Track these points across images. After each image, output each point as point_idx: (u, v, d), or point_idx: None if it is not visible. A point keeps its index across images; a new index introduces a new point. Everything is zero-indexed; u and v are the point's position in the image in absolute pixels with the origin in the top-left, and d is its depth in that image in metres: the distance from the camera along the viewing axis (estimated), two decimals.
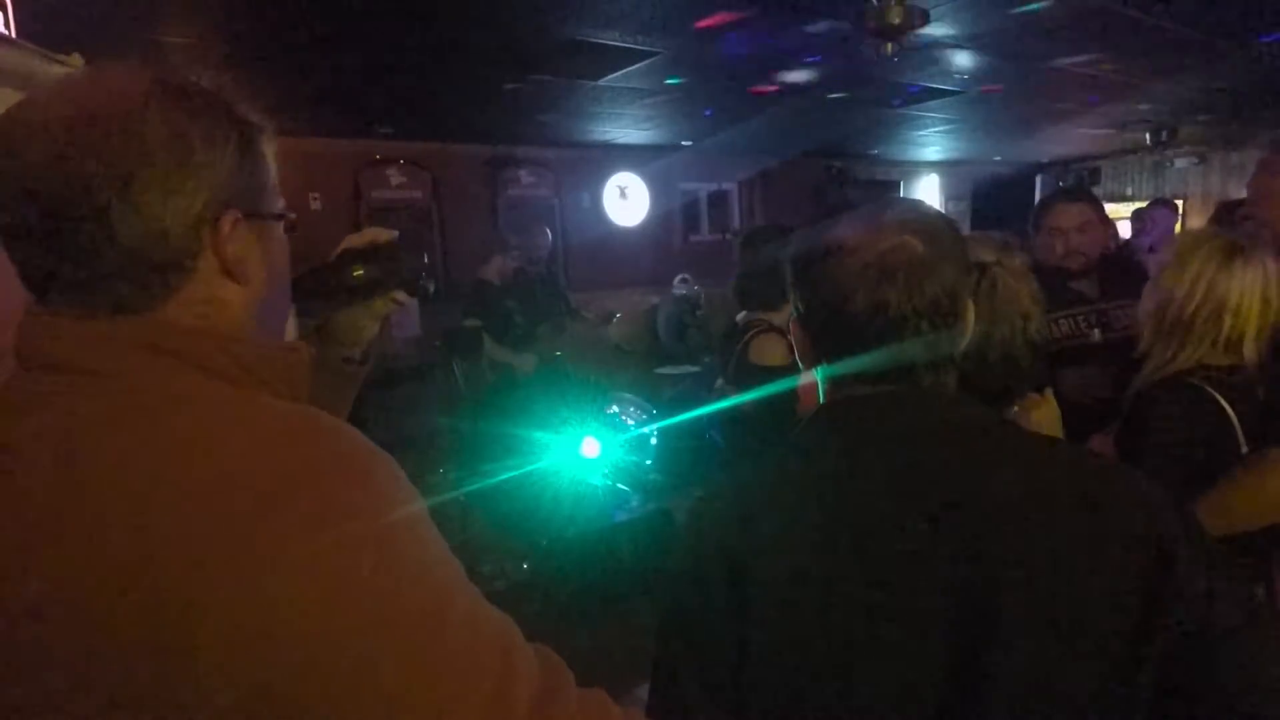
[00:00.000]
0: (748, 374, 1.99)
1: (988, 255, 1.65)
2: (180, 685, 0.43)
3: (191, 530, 0.45)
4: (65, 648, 0.44)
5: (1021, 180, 8.25)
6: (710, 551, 0.76)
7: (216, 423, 0.50)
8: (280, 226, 0.65)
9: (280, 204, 0.65)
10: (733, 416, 2.08)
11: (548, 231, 4.44)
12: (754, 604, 0.72)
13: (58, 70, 1.20)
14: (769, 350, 2.01)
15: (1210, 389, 1.32)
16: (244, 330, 0.60)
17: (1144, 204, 5.46)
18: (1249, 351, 1.34)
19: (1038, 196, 8.74)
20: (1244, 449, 1.30)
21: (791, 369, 1.95)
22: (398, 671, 0.47)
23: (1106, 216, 2.47)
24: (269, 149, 0.62)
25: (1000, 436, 0.74)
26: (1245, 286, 1.33)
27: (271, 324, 0.66)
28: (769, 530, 0.74)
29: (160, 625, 0.43)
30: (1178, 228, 4.04)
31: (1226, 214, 2.71)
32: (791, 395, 1.76)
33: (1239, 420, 1.31)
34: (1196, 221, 7.89)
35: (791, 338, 0.85)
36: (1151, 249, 3.81)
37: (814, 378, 0.80)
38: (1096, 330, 2.01)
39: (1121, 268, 2.36)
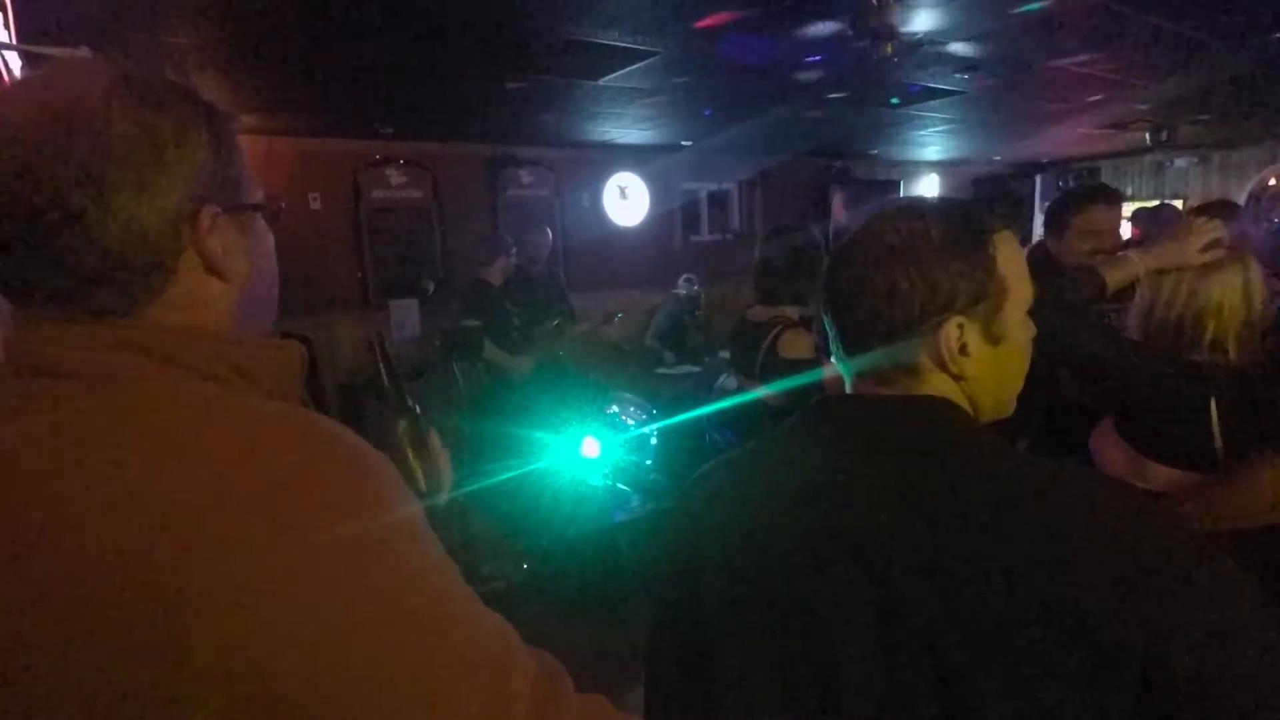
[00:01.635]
0: (778, 368, 2.02)
1: None
2: (173, 691, 0.43)
3: (180, 535, 0.44)
4: (52, 654, 0.43)
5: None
6: (681, 529, 0.79)
7: (205, 425, 0.49)
8: (260, 217, 0.63)
9: (259, 193, 0.63)
10: (755, 412, 2.10)
11: (549, 232, 4.44)
12: (706, 594, 0.73)
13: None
14: (799, 344, 2.05)
15: (1197, 383, 1.35)
16: (231, 328, 0.58)
17: (1144, 204, 5.45)
18: (1232, 350, 1.36)
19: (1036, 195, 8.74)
20: (1218, 442, 1.32)
21: (818, 362, 1.98)
22: (393, 677, 0.46)
23: None
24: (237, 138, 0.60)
25: (985, 458, 0.68)
26: (1226, 289, 1.36)
27: (260, 319, 0.64)
28: (726, 513, 0.76)
29: (151, 631, 0.43)
30: None
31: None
32: (819, 389, 1.78)
33: (1217, 412, 1.33)
34: None
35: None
36: None
37: (836, 370, 0.81)
38: None
39: None
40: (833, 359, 0.80)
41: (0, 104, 0.52)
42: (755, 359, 2.13)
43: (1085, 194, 2.24)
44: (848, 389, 0.79)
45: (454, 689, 0.48)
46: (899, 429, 0.71)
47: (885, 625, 0.64)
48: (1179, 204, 8.18)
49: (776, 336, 2.09)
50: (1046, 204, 2.44)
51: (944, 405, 0.71)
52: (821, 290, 0.79)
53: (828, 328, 0.79)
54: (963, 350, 0.70)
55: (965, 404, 0.73)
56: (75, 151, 0.49)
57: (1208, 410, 1.34)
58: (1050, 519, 0.62)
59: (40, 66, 1.55)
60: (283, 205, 0.66)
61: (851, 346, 0.75)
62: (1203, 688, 0.57)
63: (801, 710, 0.68)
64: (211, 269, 0.56)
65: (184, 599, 0.43)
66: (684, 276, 6.32)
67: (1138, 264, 1.45)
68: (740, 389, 2.25)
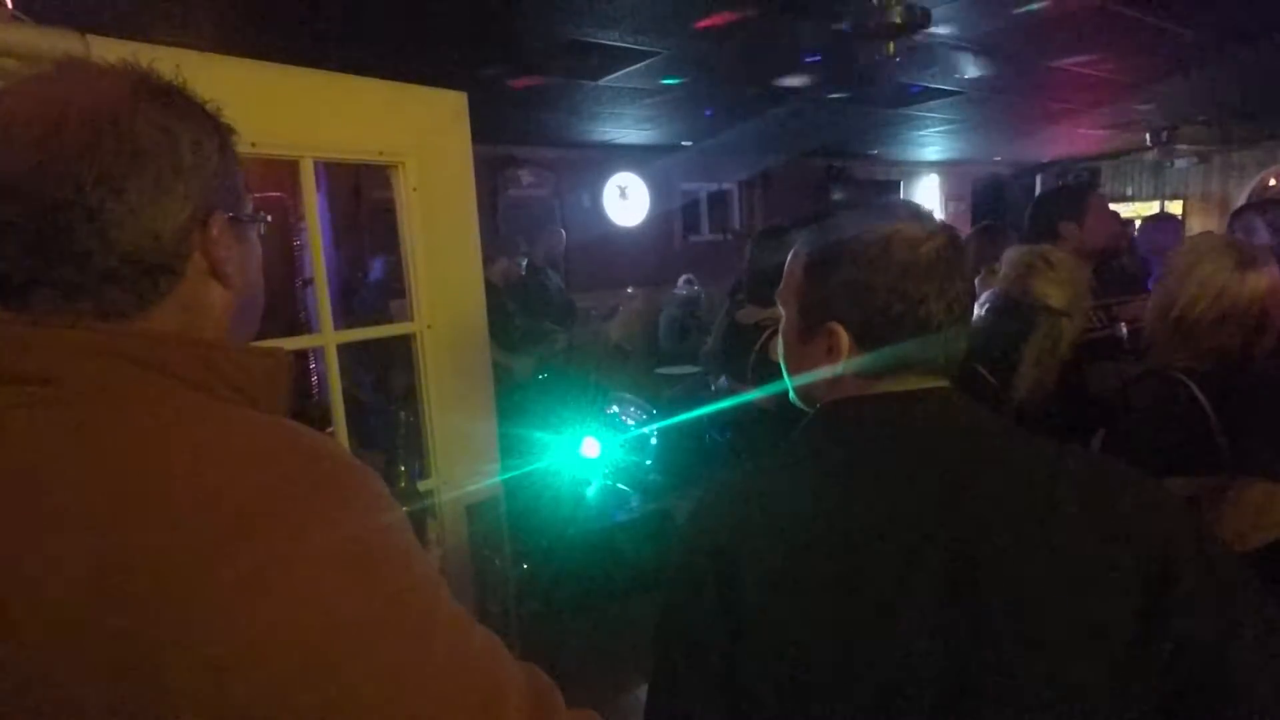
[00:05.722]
0: (771, 371, 2.00)
1: (1057, 300, 1.63)
2: (154, 707, 0.42)
3: (162, 555, 0.43)
4: (38, 667, 0.42)
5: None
6: (704, 549, 0.77)
7: (190, 440, 0.49)
8: (255, 229, 0.64)
9: (250, 207, 0.65)
10: (748, 416, 2.09)
11: (562, 232, 4.43)
12: (744, 601, 0.72)
13: (63, 46, 1.15)
14: None
15: (1183, 377, 1.34)
16: (224, 335, 0.59)
17: (1144, 204, 5.45)
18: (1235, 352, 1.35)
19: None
20: (1219, 438, 1.31)
21: None
22: (380, 697, 0.45)
23: None
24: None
25: (1004, 440, 0.76)
26: (1257, 294, 1.35)
27: (249, 328, 0.66)
28: (761, 527, 0.75)
29: (128, 652, 0.42)
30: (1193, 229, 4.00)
31: (1236, 221, 2.71)
32: None
33: (1213, 408, 1.31)
34: (1197, 221, 7.89)
35: (782, 336, 0.87)
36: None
37: (829, 373, 0.81)
38: (1122, 324, 2.02)
39: (1118, 267, 2.37)
40: (852, 357, 0.80)
41: (23, 96, 0.52)
42: (747, 361, 2.12)
43: (1086, 182, 2.29)
44: (837, 392, 0.80)
45: (443, 706, 0.47)
46: (945, 419, 0.76)
47: (953, 612, 0.67)
48: (1179, 204, 8.18)
49: (767, 340, 2.08)
50: (1043, 204, 2.38)
51: (963, 397, 0.78)
52: (845, 293, 0.78)
53: (855, 327, 0.78)
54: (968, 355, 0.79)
55: None
56: (100, 150, 0.50)
57: (1200, 406, 1.32)
58: (1091, 480, 0.71)
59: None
60: (269, 219, 0.67)
61: (904, 339, 0.76)
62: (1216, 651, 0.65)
63: (863, 696, 0.69)
64: (216, 274, 0.58)
65: (164, 611, 0.42)
66: (684, 277, 6.30)
67: None
68: (732, 391, 2.24)
